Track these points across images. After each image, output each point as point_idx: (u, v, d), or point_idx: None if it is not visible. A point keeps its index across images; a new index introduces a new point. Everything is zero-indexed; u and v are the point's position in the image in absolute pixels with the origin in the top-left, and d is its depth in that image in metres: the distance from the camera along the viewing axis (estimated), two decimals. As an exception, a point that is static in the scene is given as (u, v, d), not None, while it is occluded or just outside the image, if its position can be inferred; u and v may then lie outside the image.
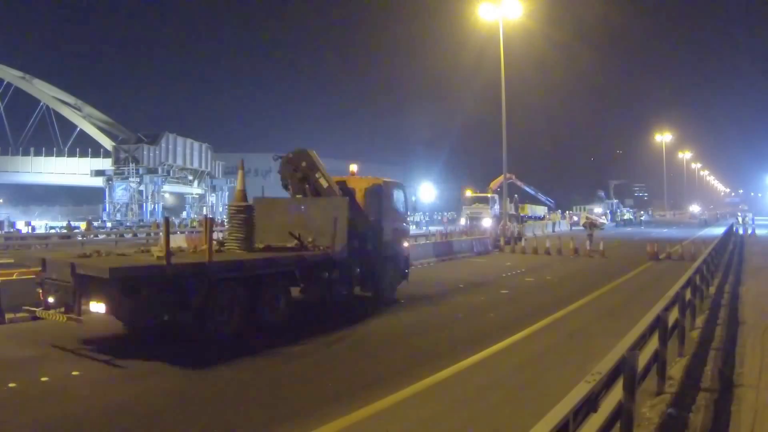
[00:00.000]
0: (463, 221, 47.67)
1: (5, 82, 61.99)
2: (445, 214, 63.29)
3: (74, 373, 8.07)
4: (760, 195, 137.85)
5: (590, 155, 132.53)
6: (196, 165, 64.27)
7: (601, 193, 78.01)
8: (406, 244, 15.77)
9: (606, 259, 26.50)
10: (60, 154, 61.71)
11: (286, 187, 14.56)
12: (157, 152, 58.42)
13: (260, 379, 8.11)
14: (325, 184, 13.90)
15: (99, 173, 58.48)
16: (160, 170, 57.68)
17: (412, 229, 29.45)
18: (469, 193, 51.12)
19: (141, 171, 56.72)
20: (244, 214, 11.99)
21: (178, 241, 34.62)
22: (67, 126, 61.93)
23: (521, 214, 52.30)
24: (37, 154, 62.37)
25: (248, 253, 11.58)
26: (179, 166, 61.51)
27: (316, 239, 12.42)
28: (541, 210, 61.43)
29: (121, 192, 57.11)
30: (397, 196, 15.30)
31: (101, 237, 39.57)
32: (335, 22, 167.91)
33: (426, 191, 66.76)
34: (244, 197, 12.51)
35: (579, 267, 23.68)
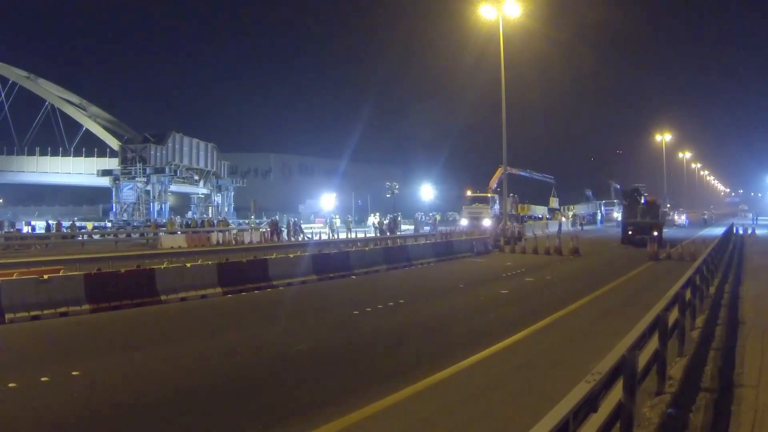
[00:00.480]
0: (463, 221, 47.67)
1: (10, 82, 61.45)
2: (432, 214, 62.43)
3: (74, 373, 8.07)
4: (760, 195, 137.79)
5: (590, 155, 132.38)
6: (201, 165, 63.66)
7: (588, 193, 78.11)
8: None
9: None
10: (66, 153, 61.18)
11: (626, 199, 40.49)
12: (163, 152, 57.87)
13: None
14: (650, 199, 38.11)
15: (106, 173, 57.90)
16: (167, 170, 57.08)
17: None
18: (469, 193, 51.11)
19: (148, 171, 56.17)
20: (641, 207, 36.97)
21: (178, 241, 34.75)
22: (72, 126, 61.53)
23: (521, 215, 52.33)
24: (42, 153, 61.78)
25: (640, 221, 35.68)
26: (185, 166, 60.96)
27: (648, 219, 35.17)
28: (540, 210, 61.42)
29: (128, 192, 56.52)
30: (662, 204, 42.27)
31: (98, 236, 39.57)
32: (334, 21, 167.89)
33: (426, 191, 66.78)
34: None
35: (579, 267, 23.68)
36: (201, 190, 64.93)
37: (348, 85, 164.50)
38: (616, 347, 5.25)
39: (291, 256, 19.51)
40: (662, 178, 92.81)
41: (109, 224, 51.80)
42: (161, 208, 56.89)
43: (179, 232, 39.77)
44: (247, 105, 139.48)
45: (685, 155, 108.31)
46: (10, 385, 7.51)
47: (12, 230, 39.75)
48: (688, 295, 9.35)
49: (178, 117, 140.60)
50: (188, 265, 15.72)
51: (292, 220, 46.87)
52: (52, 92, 61.62)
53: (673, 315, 8.14)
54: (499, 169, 49.68)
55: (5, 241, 33.00)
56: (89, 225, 46.92)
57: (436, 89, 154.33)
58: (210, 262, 16.20)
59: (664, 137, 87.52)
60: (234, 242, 35.96)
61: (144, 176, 55.96)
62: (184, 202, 68.88)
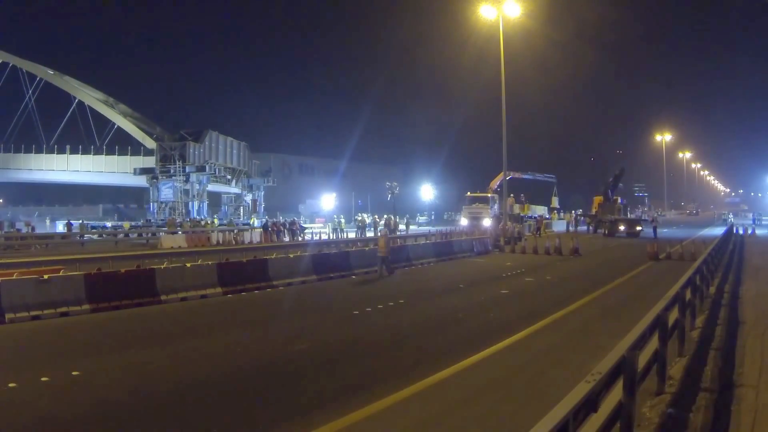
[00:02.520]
0: (463, 221, 47.69)
1: (37, 79, 60.22)
2: (420, 214, 61.68)
3: (74, 373, 8.07)
4: (760, 195, 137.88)
5: (590, 155, 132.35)
6: (234, 163, 62.14)
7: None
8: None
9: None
10: (97, 152, 59.44)
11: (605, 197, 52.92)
12: (201, 150, 56.31)
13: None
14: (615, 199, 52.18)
15: (146, 171, 55.99)
16: (207, 168, 55.34)
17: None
18: (468, 193, 51.19)
19: (188, 169, 54.22)
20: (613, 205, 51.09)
21: (178, 240, 34.76)
22: (99, 124, 59.91)
23: (521, 215, 52.38)
24: (64, 151, 60.06)
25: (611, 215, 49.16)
26: (221, 165, 59.42)
27: (619, 213, 50.01)
28: (540, 210, 61.46)
29: (166, 190, 54.75)
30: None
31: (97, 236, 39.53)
32: (334, 21, 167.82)
33: (425, 191, 66.80)
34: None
35: (579, 267, 23.67)
36: (233, 189, 63.10)
37: (348, 85, 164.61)
38: (616, 347, 5.25)
39: (291, 256, 19.52)
40: (662, 177, 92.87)
41: (109, 224, 51.55)
42: (200, 207, 55.43)
43: (179, 232, 39.74)
44: (247, 105, 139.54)
45: (685, 155, 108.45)
46: (10, 385, 7.51)
47: (14, 230, 39.74)
48: (688, 295, 9.36)
49: (176, 117, 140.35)
50: (188, 265, 15.72)
51: (292, 219, 46.60)
52: (81, 90, 60.22)
53: (673, 315, 8.14)
54: (501, 174, 49.97)
55: (5, 241, 33.02)
56: (126, 225, 46.32)
57: (436, 89, 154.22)
58: (210, 262, 16.21)
59: (664, 137, 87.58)
60: (234, 242, 35.97)
61: (183, 174, 54.18)
62: (214, 201, 67.47)
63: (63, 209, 70.48)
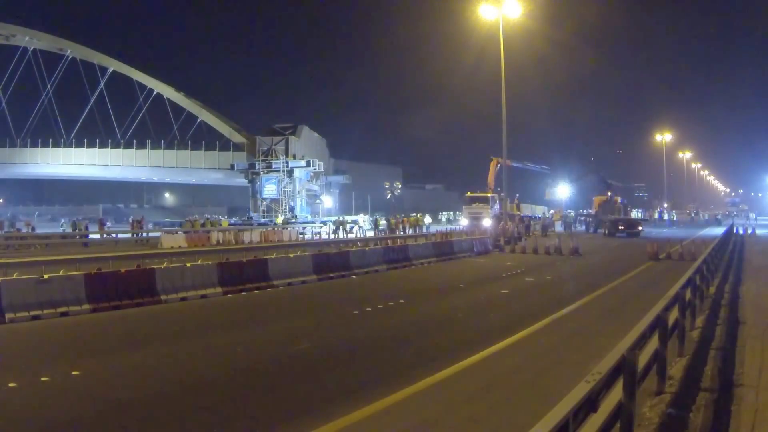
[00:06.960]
0: (463, 221, 47.66)
1: (110, 71, 56.92)
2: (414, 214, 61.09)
3: (74, 373, 8.07)
4: (760, 195, 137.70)
5: (590, 155, 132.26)
6: (317, 160, 58.15)
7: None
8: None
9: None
10: (181, 146, 55.66)
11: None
12: (298, 146, 53.15)
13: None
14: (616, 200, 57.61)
15: (250, 166, 52.21)
16: (310, 164, 51.94)
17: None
18: (468, 193, 51.07)
19: (292, 164, 50.66)
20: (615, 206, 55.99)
21: (179, 240, 34.74)
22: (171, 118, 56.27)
23: (522, 215, 52.30)
24: (141, 147, 56.34)
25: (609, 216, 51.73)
26: (310, 161, 55.60)
27: (620, 213, 54.75)
28: (540, 210, 61.36)
29: (269, 187, 51.68)
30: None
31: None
32: (334, 21, 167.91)
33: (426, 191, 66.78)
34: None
35: (579, 267, 23.68)
36: (313, 186, 59.53)
37: (348, 84, 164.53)
38: (617, 347, 5.25)
39: (291, 256, 19.51)
40: (662, 178, 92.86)
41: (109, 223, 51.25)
42: (302, 204, 53.02)
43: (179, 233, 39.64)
44: (246, 105, 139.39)
45: (685, 155, 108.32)
46: (10, 385, 7.51)
47: (17, 231, 39.70)
48: (688, 295, 9.35)
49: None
50: (188, 265, 15.71)
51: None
52: (155, 82, 57.37)
53: (673, 315, 8.13)
54: (493, 162, 49.50)
55: (5, 240, 33.02)
56: (225, 223, 44.69)
57: (436, 90, 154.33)
58: (210, 262, 16.20)
59: (664, 137, 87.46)
60: (234, 242, 35.97)
61: (287, 169, 51.17)
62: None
63: (64, 209, 70.28)
